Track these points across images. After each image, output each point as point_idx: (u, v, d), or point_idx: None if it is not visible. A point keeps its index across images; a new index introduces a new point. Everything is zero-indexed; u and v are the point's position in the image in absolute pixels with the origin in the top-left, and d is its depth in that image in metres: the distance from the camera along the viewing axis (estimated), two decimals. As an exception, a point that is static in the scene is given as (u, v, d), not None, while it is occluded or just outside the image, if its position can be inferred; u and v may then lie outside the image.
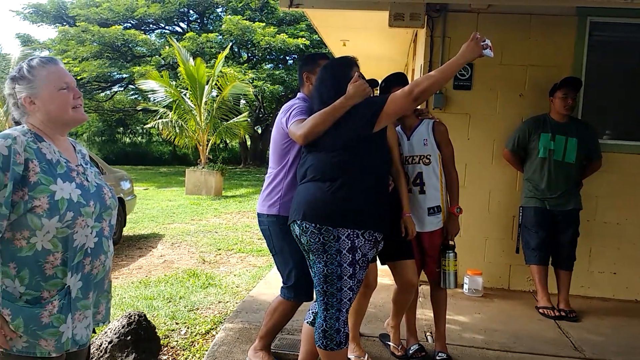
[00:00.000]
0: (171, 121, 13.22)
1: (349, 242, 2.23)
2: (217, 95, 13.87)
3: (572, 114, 3.97)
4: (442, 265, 2.95)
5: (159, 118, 13.71)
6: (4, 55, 15.41)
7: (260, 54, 20.36)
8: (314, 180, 2.32)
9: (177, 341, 3.32)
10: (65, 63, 16.87)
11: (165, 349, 3.21)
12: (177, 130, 13.26)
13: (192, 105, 13.15)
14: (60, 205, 1.54)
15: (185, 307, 3.95)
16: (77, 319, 1.63)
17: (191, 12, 22.62)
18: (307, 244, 2.30)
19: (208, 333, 3.46)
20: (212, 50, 18.39)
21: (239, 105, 17.04)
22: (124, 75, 20.86)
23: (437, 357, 2.97)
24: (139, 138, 28.64)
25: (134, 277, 5.00)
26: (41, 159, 1.57)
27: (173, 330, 3.50)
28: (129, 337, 2.89)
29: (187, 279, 4.82)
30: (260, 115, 24.01)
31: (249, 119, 15.66)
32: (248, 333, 3.23)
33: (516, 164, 4.16)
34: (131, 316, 3.02)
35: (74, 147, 1.77)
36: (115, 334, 2.90)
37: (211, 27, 22.24)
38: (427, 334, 3.37)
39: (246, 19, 18.94)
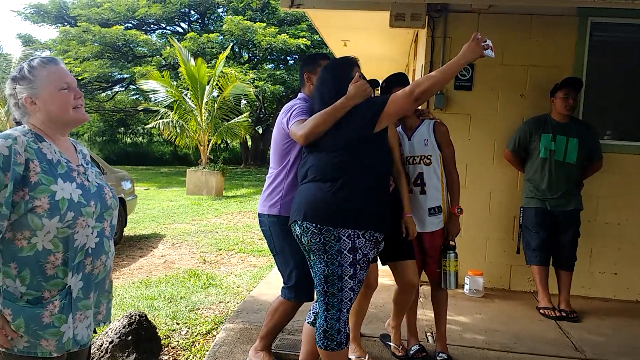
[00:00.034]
0: (172, 121, 13.21)
1: (350, 242, 2.23)
2: (218, 96, 13.87)
3: (573, 114, 3.96)
4: (443, 265, 2.94)
5: (160, 118, 13.70)
6: (5, 56, 15.38)
7: (261, 54, 20.38)
8: (314, 181, 2.32)
9: (177, 341, 3.32)
10: (66, 63, 16.94)
11: (166, 349, 3.21)
12: (178, 131, 13.25)
13: (193, 106, 13.16)
14: (61, 205, 1.54)
15: (186, 307, 3.95)
16: (78, 319, 1.63)
17: (192, 12, 22.63)
18: (307, 244, 2.30)
19: (209, 333, 3.46)
20: (213, 50, 18.39)
21: (239, 106, 17.08)
22: (125, 76, 20.86)
23: (438, 358, 2.97)
24: (140, 138, 28.66)
25: (134, 277, 5.00)
26: (42, 159, 1.57)
27: (174, 330, 3.50)
28: (130, 337, 2.90)
29: (187, 279, 4.82)
30: (261, 116, 24.01)
31: (249, 119, 15.66)
32: (249, 333, 3.23)
33: (517, 165, 4.16)
34: (132, 316, 3.02)
35: (75, 147, 1.77)
36: (116, 334, 2.90)
37: (212, 28, 22.25)
38: (428, 334, 3.37)
39: (247, 19, 18.95)
